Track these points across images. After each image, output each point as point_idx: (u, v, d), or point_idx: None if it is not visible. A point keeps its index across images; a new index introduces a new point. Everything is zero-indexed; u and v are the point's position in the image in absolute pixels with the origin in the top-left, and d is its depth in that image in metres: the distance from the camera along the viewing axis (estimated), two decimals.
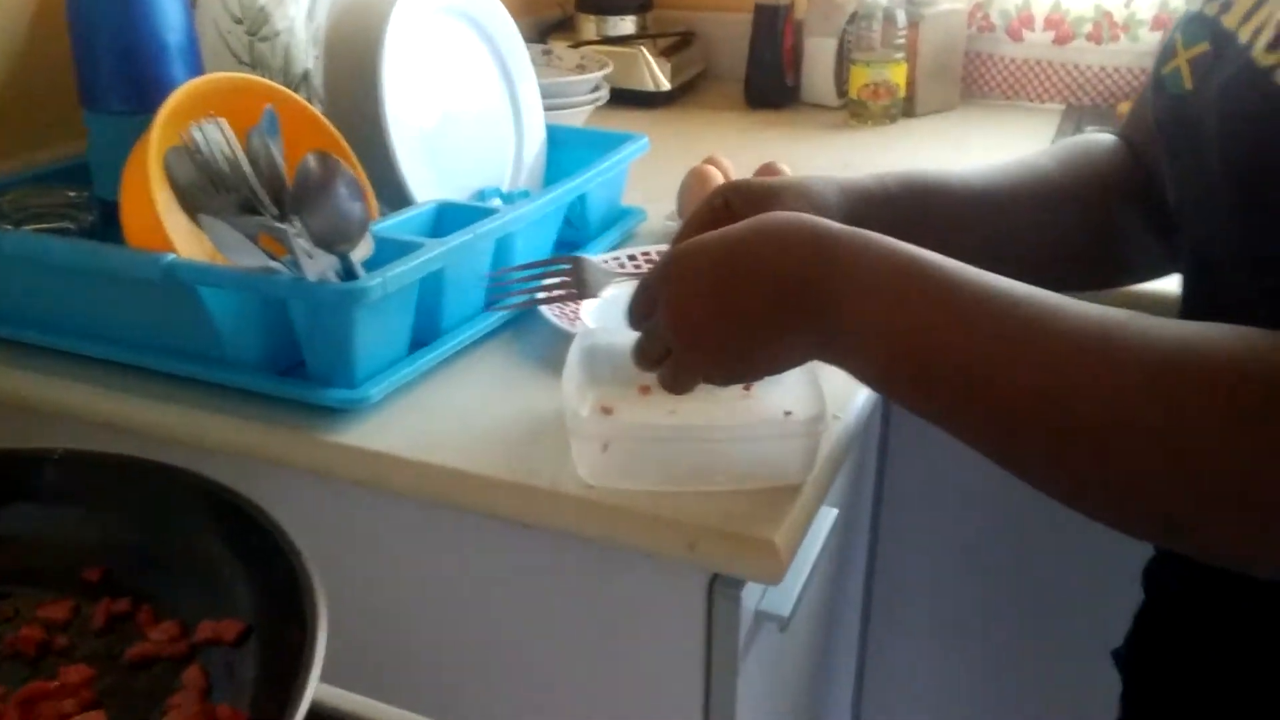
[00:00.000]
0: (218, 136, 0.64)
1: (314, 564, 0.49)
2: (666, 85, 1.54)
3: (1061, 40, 1.45)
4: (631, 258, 0.96)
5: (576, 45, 1.53)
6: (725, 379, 0.57)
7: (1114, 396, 0.43)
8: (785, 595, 0.72)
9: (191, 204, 0.66)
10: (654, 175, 1.12)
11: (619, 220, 1.06)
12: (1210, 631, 0.61)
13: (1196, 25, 0.57)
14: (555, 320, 0.83)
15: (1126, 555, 0.67)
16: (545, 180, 1.08)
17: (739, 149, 1.35)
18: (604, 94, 1.36)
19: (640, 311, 0.59)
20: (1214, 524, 0.42)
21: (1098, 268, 0.74)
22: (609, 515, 0.64)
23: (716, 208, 0.64)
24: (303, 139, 0.84)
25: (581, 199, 0.99)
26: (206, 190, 0.65)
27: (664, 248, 0.95)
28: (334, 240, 0.66)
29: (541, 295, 0.70)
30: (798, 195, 0.62)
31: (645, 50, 1.54)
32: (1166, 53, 0.60)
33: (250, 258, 0.67)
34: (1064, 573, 1.06)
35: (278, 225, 0.65)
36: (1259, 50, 0.49)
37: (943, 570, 1.13)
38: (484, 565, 0.73)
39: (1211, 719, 0.61)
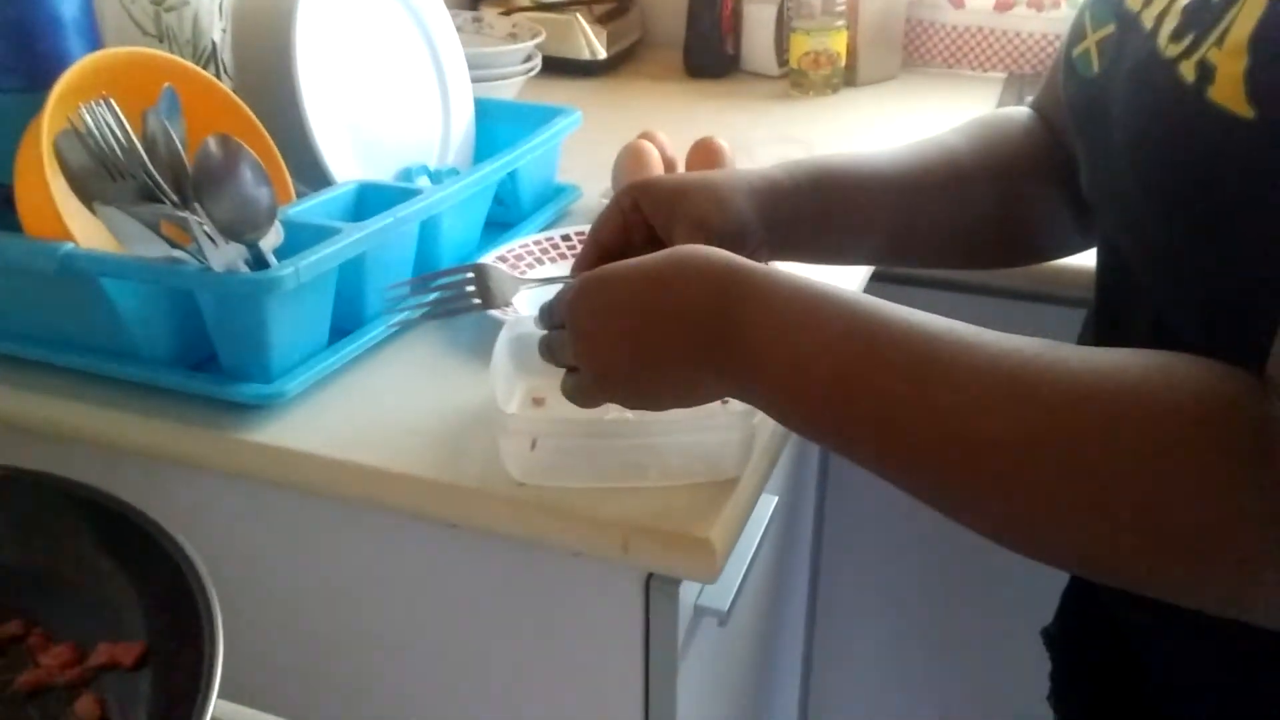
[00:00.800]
0: (109, 119, 0.60)
1: (208, 574, 0.45)
2: (602, 53, 1.50)
3: (1003, 7, 1.43)
4: (566, 238, 0.93)
5: (509, 11, 1.48)
6: (635, 408, 0.56)
7: (1020, 443, 0.42)
8: (724, 589, 0.69)
9: (86, 191, 0.62)
10: (590, 149, 1.08)
11: (553, 198, 1.02)
12: (1131, 615, 0.60)
13: (1103, 6, 0.56)
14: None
15: None
16: (475, 157, 1.04)
17: (678, 120, 1.32)
18: (536, 64, 1.31)
19: (549, 325, 0.57)
20: (1127, 561, 0.42)
21: (1011, 247, 0.73)
22: (539, 515, 0.61)
23: (625, 209, 0.62)
24: (211, 118, 0.80)
25: (512, 176, 0.95)
26: (101, 177, 0.61)
27: None
28: (240, 228, 0.62)
29: (444, 308, 0.64)
30: (705, 194, 0.60)
31: (580, 17, 1.49)
32: (1076, 33, 0.58)
33: (152, 248, 0.63)
34: (1007, 553, 1.06)
35: (179, 214, 0.61)
36: (1163, 39, 0.47)
37: (888, 553, 1.12)
38: (409, 568, 0.70)
39: (1133, 699, 0.61)
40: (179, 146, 0.61)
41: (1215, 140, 0.42)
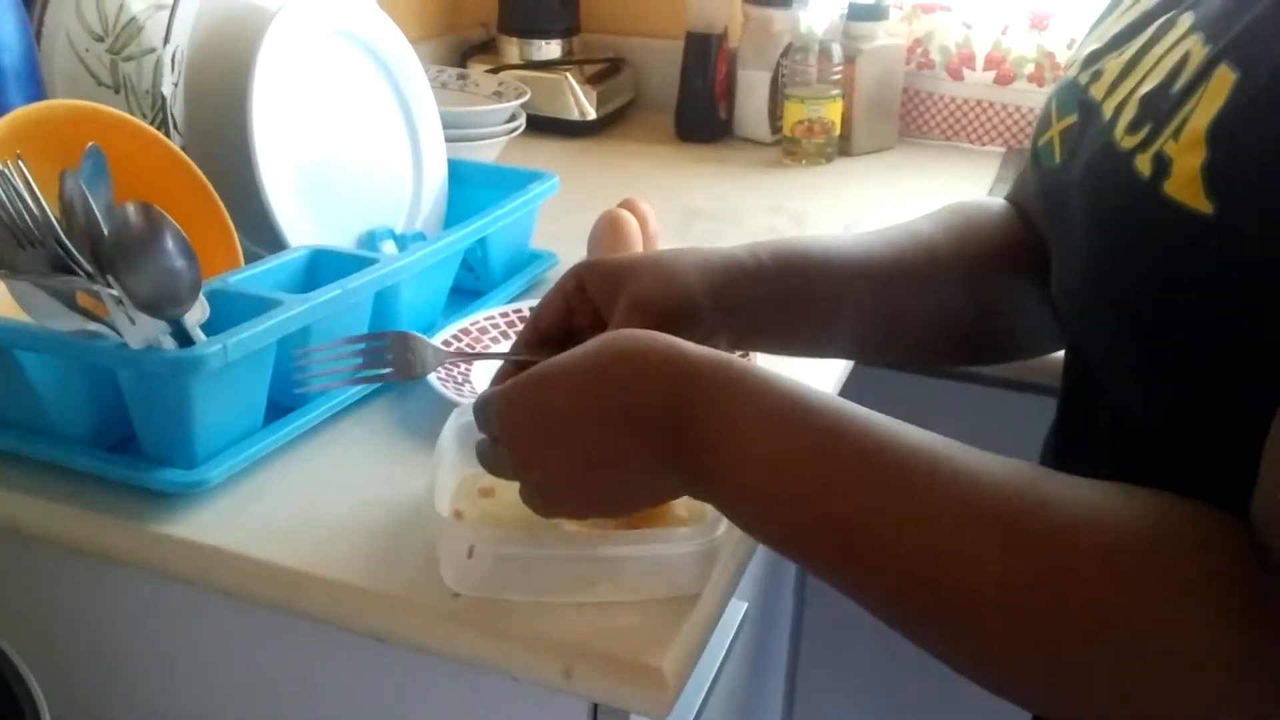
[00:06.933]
0: (18, 183, 0.54)
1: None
2: (592, 114, 1.46)
3: (1003, 80, 1.39)
4: (534, 309, 0.88)
5: (497, 70, 1.45)
6: (589, 518, 0.52)
7: (1000, 591, 0.38)
8: (682, 713, 0.63)
9: None
10: (576, 211, 1.03)
11: (527, 265, 0.97)
12: None
13: (1068, 94, 0.53)
14: (441, 388, 0.74)
15: None
16: (447, 220, 0.99)
17: (667, 184, 1.28)
18: (520, 124, 1.27)
19: (482, 430, 0.53)
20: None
21: (986, 345, 0.69)
22: (474, 632, 0.55)
23: (569, 291, 0.58)
24: (157, 176, 0.75)
25: (482, 243, 0.90)
26: (11, 245, 0.55)
27: None
28: (159, 303, 0.57)
29: (354, 377, 0.61)
30: (651, 271, 0.55)
31: (570, 77, 1.46)
32: (1043, 123, 0.56)
33: (64, 321, 0.57)
34: None
35: (92, 286, 0.55)
36: (1120, 130, 0.45)
37: (870, 659, 1.06)
38: (336, 681, 0.63)
39: None
40: (96, 213, 0.56)
41: (1171, 237, 0.39)
